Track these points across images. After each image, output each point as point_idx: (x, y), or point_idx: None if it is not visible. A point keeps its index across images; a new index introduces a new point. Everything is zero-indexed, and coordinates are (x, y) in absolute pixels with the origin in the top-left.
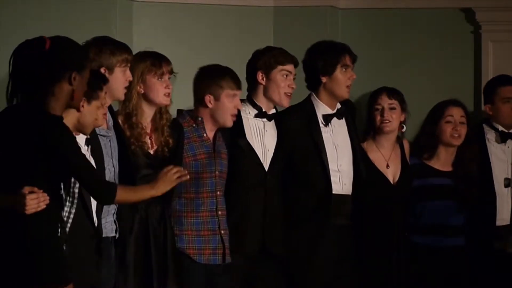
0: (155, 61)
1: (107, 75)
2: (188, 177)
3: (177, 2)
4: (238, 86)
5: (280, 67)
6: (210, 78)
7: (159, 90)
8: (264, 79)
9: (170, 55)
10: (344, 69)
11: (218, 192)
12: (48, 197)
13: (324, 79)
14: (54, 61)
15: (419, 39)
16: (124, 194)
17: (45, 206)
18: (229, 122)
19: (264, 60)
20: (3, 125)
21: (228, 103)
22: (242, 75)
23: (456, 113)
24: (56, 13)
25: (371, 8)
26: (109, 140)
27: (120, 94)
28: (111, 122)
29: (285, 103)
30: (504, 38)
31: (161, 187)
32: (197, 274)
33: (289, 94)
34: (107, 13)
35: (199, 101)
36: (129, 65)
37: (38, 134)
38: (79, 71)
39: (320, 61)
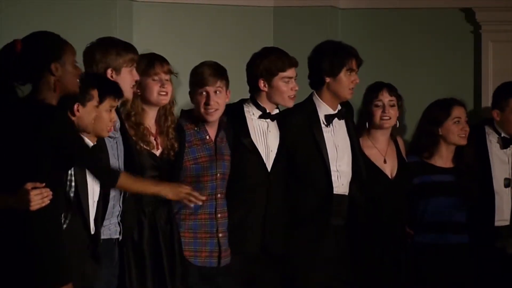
0: (148, 62)
1: (114, 76)
2: (201, 202)
3: (177, 2)
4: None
5: (281, 74)
6: (192, 78)
7: (153, 89)
8: (266, 86)
9: (170, 55)
10: (349, 73)
11: (219, 195)
12: (51, 193)
13: (328, 80)
14: (29, 61)
15: (419, 39)
16: (126, 181)
17: (49, 202)
18: (207, 116)
19: (264, 67)
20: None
21: (199, 99)
22: (242, 75)
23: (462, 113)
24: (56, 13)
25: (371, 8)
26: (116, 142)
27: (128, 94)
28: (118, 124)
29: (290, 104)
30: (504, 38)
31: (166, 190)
32: (193, 275)
33: (292, 97)
34: (107, 13)
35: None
36: (135, 65)
37: (35, 127)
38: (58, 60)
39: (326, 62)
